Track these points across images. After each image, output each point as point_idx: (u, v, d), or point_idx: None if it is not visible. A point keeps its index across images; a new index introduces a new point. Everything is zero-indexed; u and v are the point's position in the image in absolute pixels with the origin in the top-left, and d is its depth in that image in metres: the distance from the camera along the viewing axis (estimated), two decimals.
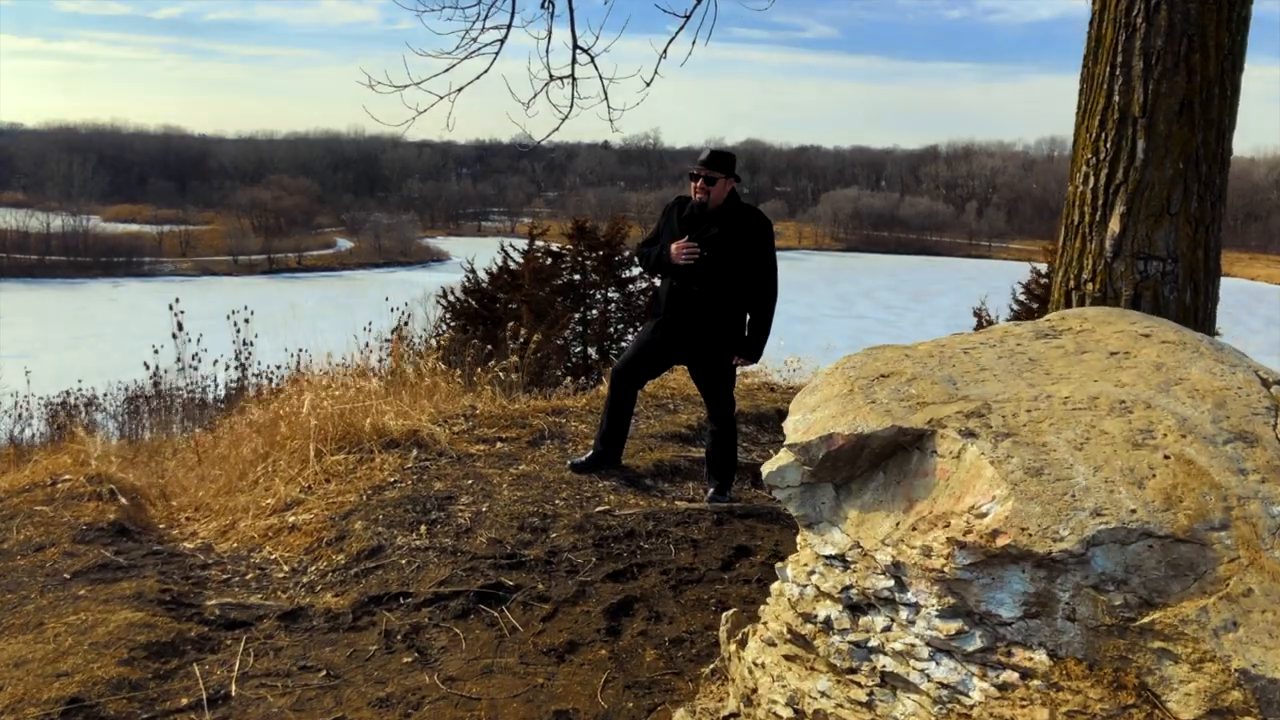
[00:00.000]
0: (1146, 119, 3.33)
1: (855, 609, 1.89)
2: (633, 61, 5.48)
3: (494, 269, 19.05)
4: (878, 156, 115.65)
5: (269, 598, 2.81)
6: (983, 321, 16.71)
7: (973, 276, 68.67)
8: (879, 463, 1.94)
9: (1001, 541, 1.63)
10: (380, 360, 8.73)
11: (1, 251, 69.03)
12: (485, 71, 5.70)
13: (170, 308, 6.49)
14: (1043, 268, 16.16)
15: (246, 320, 8.66)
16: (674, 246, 3.50)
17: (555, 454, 4.05)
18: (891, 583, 1.81)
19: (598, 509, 3.43)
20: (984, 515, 1.68)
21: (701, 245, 3.49)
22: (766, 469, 2.06)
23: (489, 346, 5.81)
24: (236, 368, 9.01)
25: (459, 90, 5.57)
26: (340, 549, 3.14)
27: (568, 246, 19.69)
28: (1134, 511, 1.61)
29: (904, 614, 1.79)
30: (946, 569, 1.70)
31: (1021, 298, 16.64)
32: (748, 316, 3.60)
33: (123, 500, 3.56)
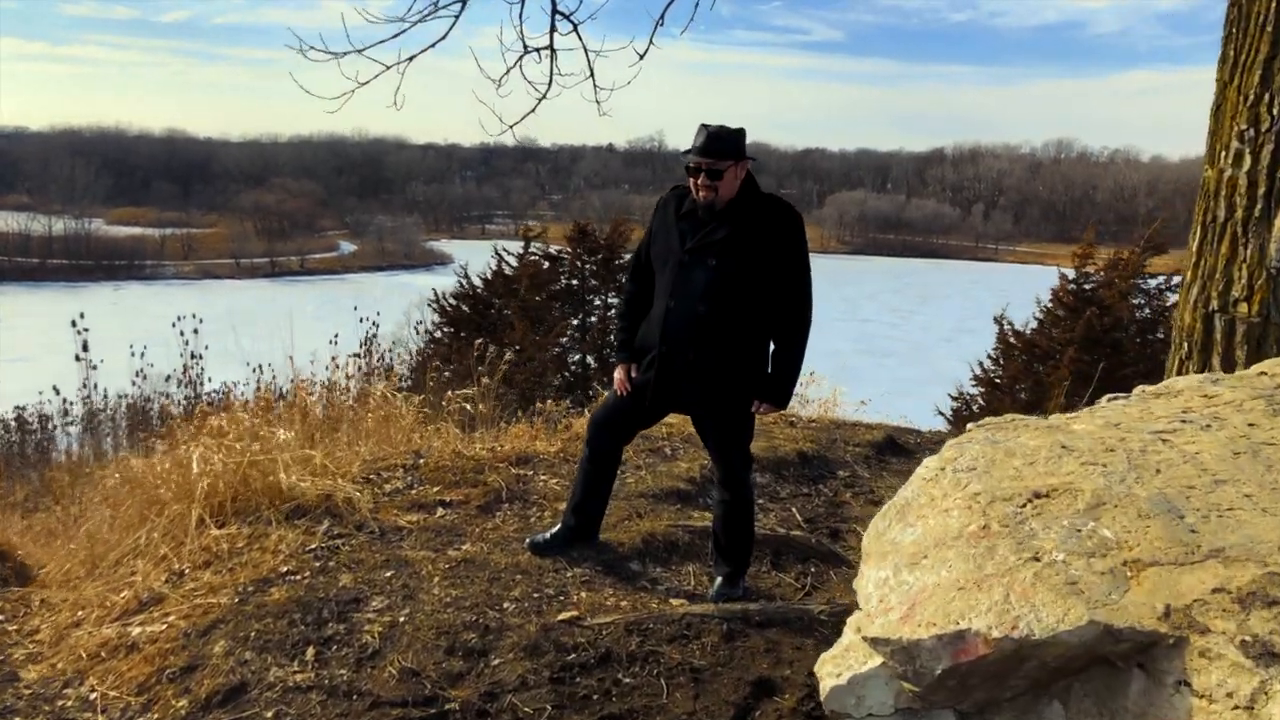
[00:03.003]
0: None
1: None
2: (622, 36, 4.56)
3: (488, 273, 18.16)
4: (883, 159, 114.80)
5: None
6: (1004, 330, 15.68)
7: (979, 280, 67.55)
8: (1051, 684, 0.99)
9: None
10: (349, 378, 7.76)
11: (3, 254, 68.65)
12: (444, 37, 4.76)
13: (73, 324, 5.56)
14: (1071, 273, 15.11)
15: (195, 331, 7.76)
16: (619, 373, 2.69)
17: (513, 523, 3.10)
18: None
19: (561, 616, 2.48)
20: None
21: (709, 252, 2.54)
22: (828, 678, 1.11)
23: (446, 372, 4.85)
24: (185, 384, 8.11)
25: (410, 59, 4.64)
26: (186, 687, 2.19)
27: (566, 250, 18.75)
28: None
29: None
30: None
31: (1048, 305, 15.58)
32: (771, 346, 2.65)
33: None
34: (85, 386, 6.82)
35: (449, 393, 4.90)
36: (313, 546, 2.82)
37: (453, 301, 17.74)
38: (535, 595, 2.59)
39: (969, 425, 1.45)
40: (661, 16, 4.73)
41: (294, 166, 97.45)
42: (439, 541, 2.90)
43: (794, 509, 3.69)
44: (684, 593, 2.76)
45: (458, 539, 2.92)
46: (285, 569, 2.68)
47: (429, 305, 17.88)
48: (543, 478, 3.53)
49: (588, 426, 2.80)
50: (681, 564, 2.96)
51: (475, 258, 19.50)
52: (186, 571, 2.78)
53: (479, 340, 4.63)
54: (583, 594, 2.62)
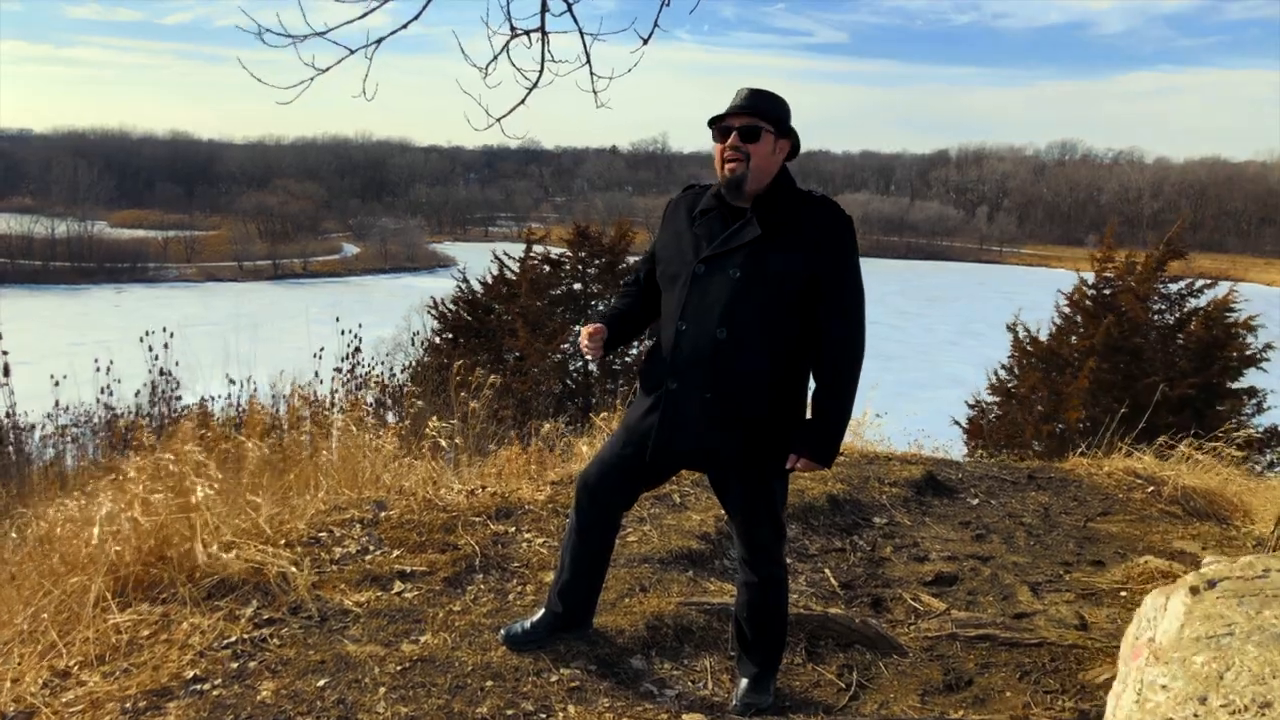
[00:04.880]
0: None
1: None
2: (622, 22, 4.01)
3: (488, 278, 17.63)
4: (887, 161, 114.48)
5: None
6: (1019, 338, 15.08)
7: (985, 281, 66.94)
8: None
9: None
10: (333, 393, 7.20)
11: (5, 257, 68.55)
12: (418, 16, 4.23)
13: None
14: (1089, 277, 14.51)
15: (166, 345, 7.19)
16: (583, 334, 2.15)
17: (487, 603, 2.52)
18: None
19: None
20: None
21: (732, 259, 1.97)
22: None
23: (419, 401, 4.29)
24: (156, 401, 7.54)
25: (378, 42, 4.07)
26: None
27: (567, 254, 18.20)
28: None
29: None
30: None
31: (1065, 310, 14.97)
32: (811, 384, 2.08)
33: None
34: (11, 415, 6.25)
35: (432, 420, 4.33)
36: (232, 639, 2.24)
37: (452, 307, 17.23)
38: (509, 711, 2.01)
39: (1189, 578, 0.88)
40: None
41: (297, 168, 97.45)
42: (392, 631, 2.32)
43: (827, 569, 3.11)
44: (700, 701, 2.18)
45: (416, 626, 2.34)
46: (192, 673, 2.11)
47: (428, 312, 17.39)
48: (526, 536, 2.94)
49: (576, 487, 2.21)
50: (695, 656, 2.38)
51: (479, 260, 19.04)
52: (73, 671, 2.20)
53: (458, 363, 4.04)
54: (571, 709, 2.04)
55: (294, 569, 2.43)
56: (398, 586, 2.53)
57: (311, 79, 3.92)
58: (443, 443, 3.79)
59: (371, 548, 2.77)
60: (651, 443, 2.06)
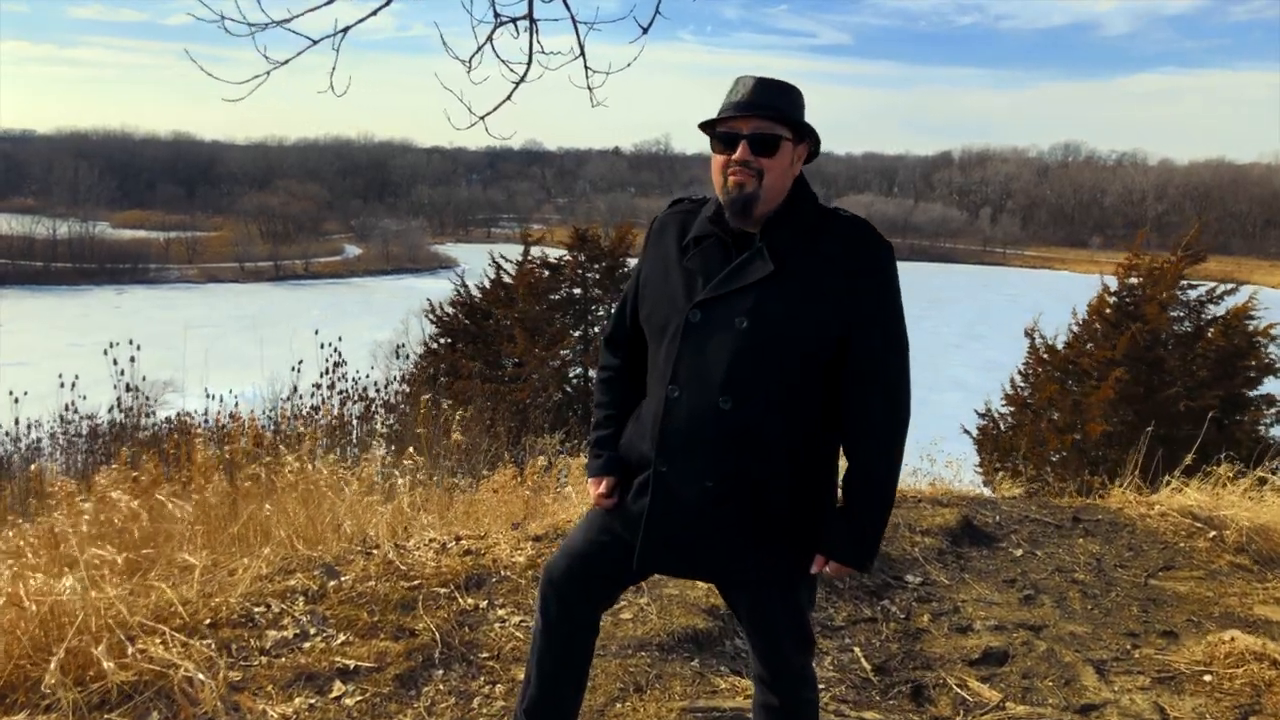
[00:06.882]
0: None
1: None
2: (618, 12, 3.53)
3: (486, 281, 17.21)
4: (890, 162, 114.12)
5: None
6: (1035, 343, 14.60)
7: (988, 284, 66.40)
8: None
9: None
10: (313, 410, 6.75)
11: (7, 258, 68.40)
12: (386, 3, 3.80)
13: None
14: (1112, 282, 14.02)
15: (132, 359, 6.75)
16: (592, 489, 1.65)
17: (446, 712, 2.04)
18: None
19: None
20: None
21: (737, 305, 1.48)
22: None
23: (380, 437, 3.85)
24: (125, 414, 7.10)
25: (345, 31, 3.66)
26: None
27: (566, 257, 17.75)
28: None
29: None
30: None
31: (1084, 318, 14.47)
32: (842, 464, 1.60)
33: None
34: None
35: (409, 450, 3.87)
36: None
37: (449, 311, 16.81)
38: None
39: None
40: None
41: (299, 169, 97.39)
42: None
43: (856, 648, 2.64)
44: None
45: None
46: None
47: (426, 315, 16.98)
48: (500, 613, 2.47)
49: (540, 581, 1.73)
50: None
51: (481, 261, 18.65)
52: None
53: (425, 396, 3.58)
54: None
55: (203, 676, 1.96)
56: (337, 689, 2.06)
57: (268, 73, 3.46)
58: (401, 482, 3.33)
59: (312, 630, 2.30)
60: (638, 545, 1.57)
